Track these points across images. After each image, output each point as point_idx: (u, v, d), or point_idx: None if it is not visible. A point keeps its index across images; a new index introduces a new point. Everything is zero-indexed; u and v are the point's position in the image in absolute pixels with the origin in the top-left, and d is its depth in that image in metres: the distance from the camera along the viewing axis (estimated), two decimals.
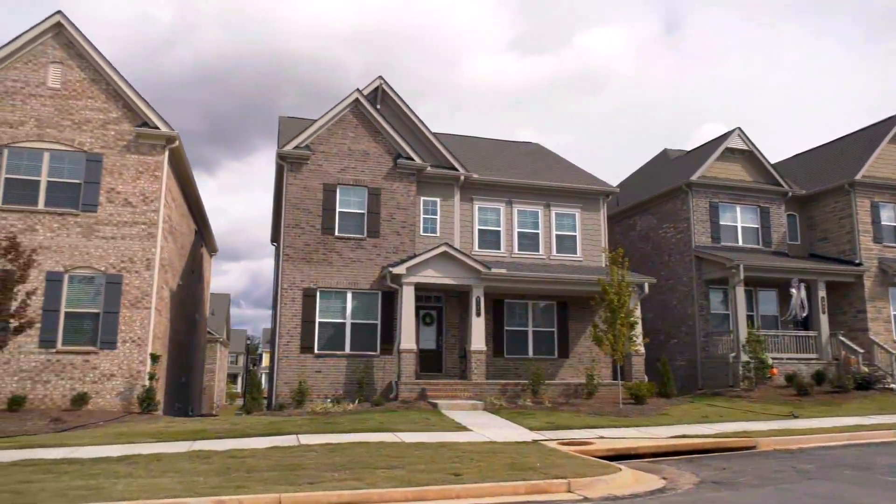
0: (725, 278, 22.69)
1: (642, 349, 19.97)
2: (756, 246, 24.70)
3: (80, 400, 16.21)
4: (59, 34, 18.11)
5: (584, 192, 23.35)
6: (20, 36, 17.73)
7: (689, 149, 29.41)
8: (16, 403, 15.59)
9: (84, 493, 7.89)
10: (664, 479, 9.79)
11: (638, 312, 19.74)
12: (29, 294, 15.00)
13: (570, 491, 8.73)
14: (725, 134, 25.92)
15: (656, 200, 26.29)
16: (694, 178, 24.21)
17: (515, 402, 18.09)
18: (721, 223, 24.49)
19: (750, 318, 23.01)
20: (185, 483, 8.49)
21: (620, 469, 9.78)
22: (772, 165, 25.59)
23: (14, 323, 14.46)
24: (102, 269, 17.33)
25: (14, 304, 14.50)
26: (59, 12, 17.99)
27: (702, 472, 10.29)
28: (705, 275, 23.65)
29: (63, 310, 16.95)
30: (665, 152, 30.62)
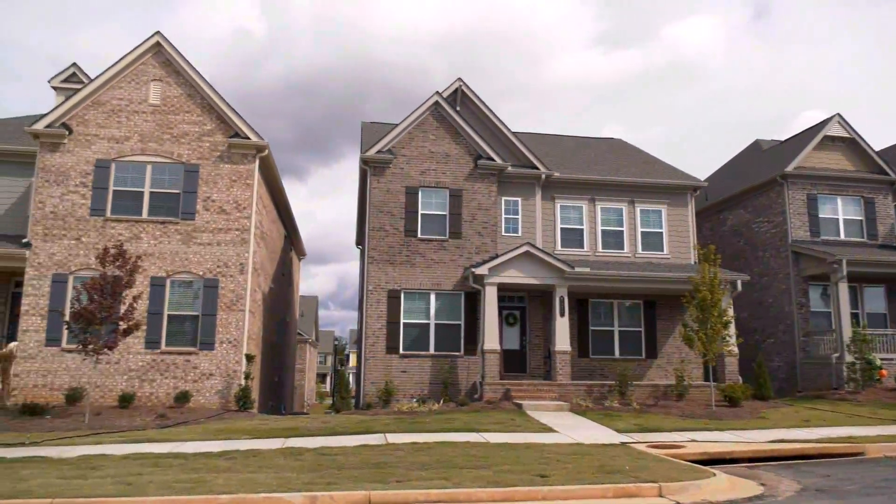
0: (826, 274, 21.43)
1: (736, 349, 19.15)
2: (860, 239, 23.22)
3: (183, 398, 17.15)
4: (159, 53, 19.24)
5: (670, 187, 22.64)
6: (124, 57, 18.96)
7: (783, 139, 27.98)
8: (125, 400, 16.69)
9: (188, 486, 8.35)
10: (762, 485, 9.36)
11: (731, 311, 18.95)
12: (135, 298, 16.01)
13: (661, 495, 8.50)
14: (824, 121, 24.49)
15: (748, 193, 25.16)
16: (789, 168, 23.02)
17: (602, 403, 17.76)
18: (820, 216, 23.17)
19: (854, 317, 21.67)
20: (279, 478, 8.84)
21: (715, 474, 9.43)
22: (876, 153, 23.99)
23: (123, 325, 15.47)
24: (200, 273, 18.28)
25: (122, 308, 15.52)
26: (157, 33, 19.13)
27: (804, 479, 9.77)
28: (804, 271, 22.42)
29: (166, 313, 18.00)
30: (757, 143, 29.25)
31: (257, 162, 19.17)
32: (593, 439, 12.64)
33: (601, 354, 21.21)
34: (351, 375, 51.39)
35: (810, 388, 21.09)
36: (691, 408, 17.15)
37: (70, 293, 16.92)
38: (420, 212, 20.34)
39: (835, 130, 23.93)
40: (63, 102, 18.89)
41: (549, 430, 13.81)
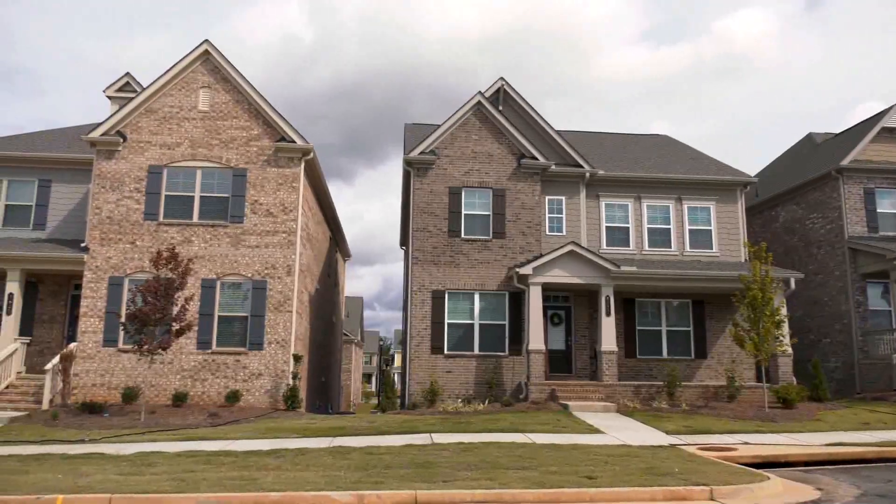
0: (886, 271, 20.62)
1: (790, 349, 18.58)
2: None
3: (233, 397, 17.54)
4: (207, 61, 19.72)
5: (718, 183, 22.12)
6: (174, 65, 19.50)
7: (838, 132, 27.03)
8: (179, 399, 17.15)
9: (239, 484, 8.54)
10: (819, 489, 9.06)
11: (784, 310, 18.39)
12: (187, 300, 16.44)
13: (712, 499, 8.31)
14: (882, 112, 23.58)
15: (801, 189, 24.40)
16: (845, 162, 22.23)
17: (650, 404, 17.47)
18: (878, 211, 22.30)
19: None
20: (327, 477, 8.96)
21: (768, 477, 9.17)
22: None
23: (176, 326, 15.90)
24: (249, 275, 18.67)
25: (175, 309, 15.96)
26: (206, 41, 19.61)
27: (863, 484, 9.42)
28: (861, 268, 21.62)
29: (216, 314, 18.43)
30: (810, 136, 28.33)
31: (303, 165, 19.46)
32: (641, 441, 12.44)
33: (649, 354, 20.85)
34: (396, 375, 51.76)
35: (869, 389, 20.32)
36: (743, 409, 16.71)
37: (126, 295, 17.49)
38: (463, 212, 20.34)
39: (893, 121, 23.02)
40: (117, 111, 19.54)
41: (596, 430, 13.65)
